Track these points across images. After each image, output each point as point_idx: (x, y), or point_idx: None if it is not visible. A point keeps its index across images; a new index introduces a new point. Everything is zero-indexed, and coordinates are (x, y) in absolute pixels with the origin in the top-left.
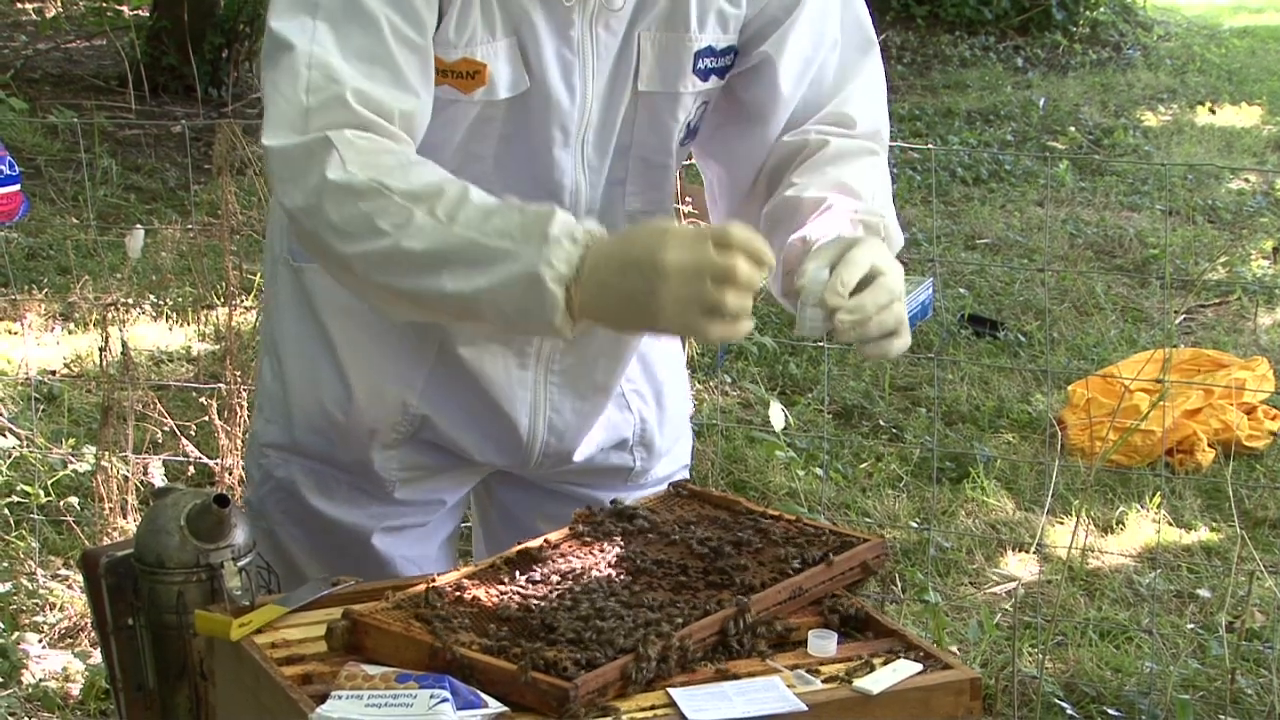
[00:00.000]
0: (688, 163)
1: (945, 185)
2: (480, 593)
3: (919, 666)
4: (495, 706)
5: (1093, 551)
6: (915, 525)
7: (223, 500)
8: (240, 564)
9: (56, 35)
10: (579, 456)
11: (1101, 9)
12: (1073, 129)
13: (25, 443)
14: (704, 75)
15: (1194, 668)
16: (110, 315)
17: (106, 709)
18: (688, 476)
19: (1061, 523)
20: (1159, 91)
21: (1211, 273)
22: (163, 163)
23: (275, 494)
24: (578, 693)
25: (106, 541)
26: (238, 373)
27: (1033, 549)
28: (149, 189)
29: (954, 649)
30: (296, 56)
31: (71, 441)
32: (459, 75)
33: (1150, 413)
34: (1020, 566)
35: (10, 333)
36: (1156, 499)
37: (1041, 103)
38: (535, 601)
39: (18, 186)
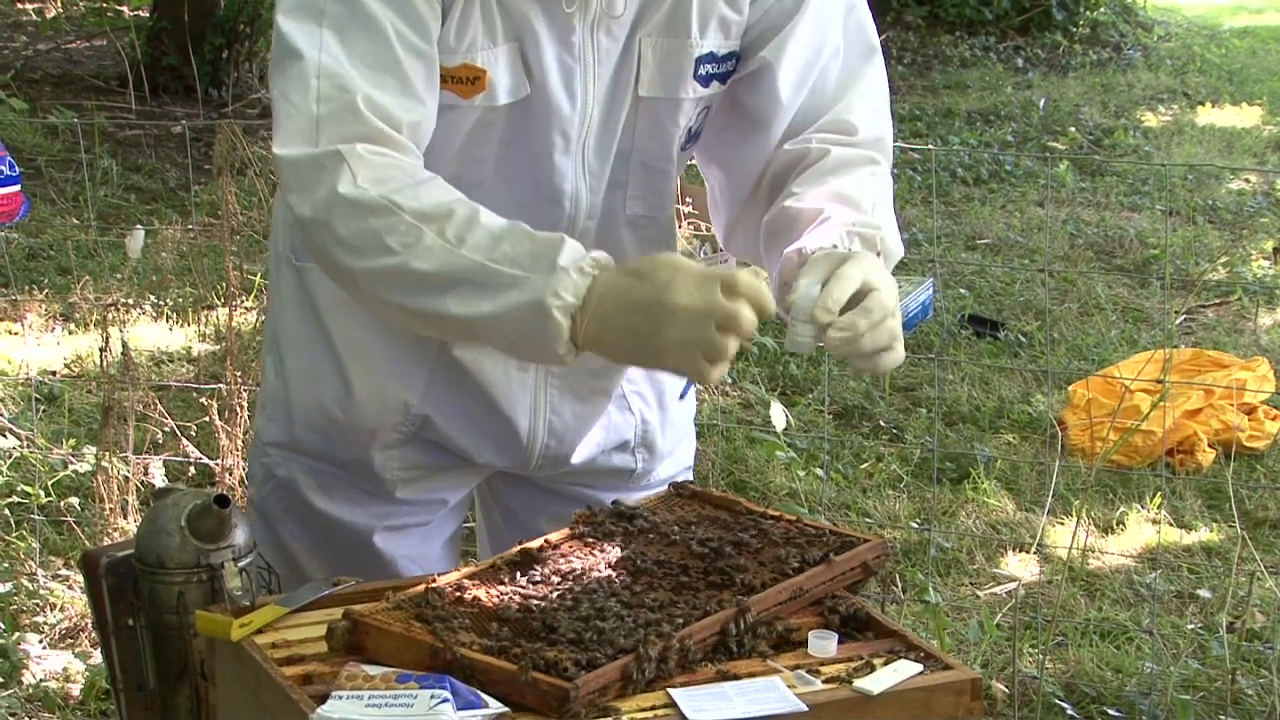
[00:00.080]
0: (689, 163)
1: (946, 185)
2: (481, 593)
3: (919, 667)
4: (496, 707)
5: (1093, 552)
6: (916, 525)
7: (223, 501)
8: (241, 564)
9: (57, 35)
10: (578, 458)
11: (1102, 9)
12: (1073, 129)
13: (26, 443)
14: (705, 81)
15: (1194, 668)
16: (111, 315)
17: (107, 709)
18: (691, 478)
19: (1062, 523)
20: (1159, 92)
21: (1212, 273)
22: (163, 163)
23: (277, 493)
24: (578, 693)
25: (107, 542)
26: (238, 373)
27: (1033, 549)
28: (149, 189)
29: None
30: (305, 66)
31: (72, 442)
32: (459, 80)
33: (1151, 413)
34: (1021, 567)
35: (11, 333)
36: (1157, 499)
37: (1042, 103)
38: (536, 602)
39: (18, 187)
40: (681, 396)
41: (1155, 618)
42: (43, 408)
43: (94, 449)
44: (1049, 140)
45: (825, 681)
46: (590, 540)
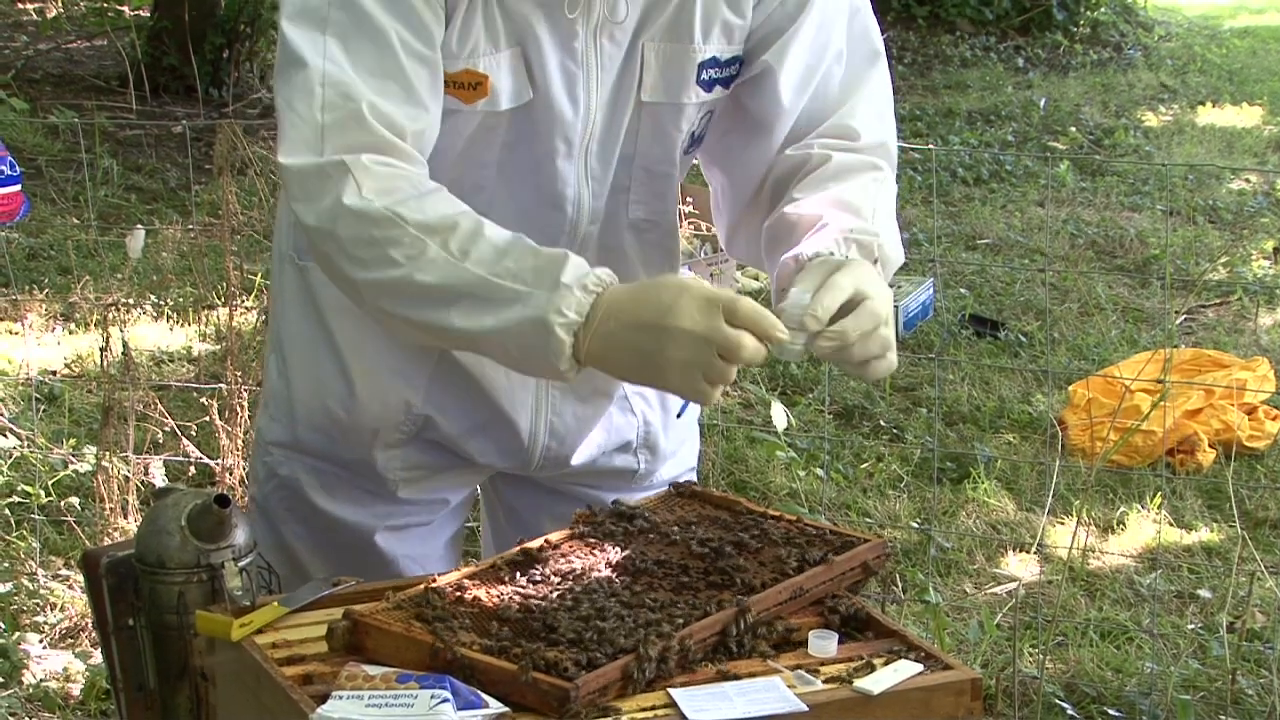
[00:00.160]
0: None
1: (946, 185)
2: (481, 593)
3: (920, 667)
4: (496, 707)
5: (1093, 552)
6: (916, 525)
7: (223, 500)
8: (241, 564)
9: (57, 35)
10: (579, 459)
11: (1102, 9)
12: (1073, 129)
13: (26, 443)
14: (708, 86)
15: (1195, 668)
16: (111, 315)
17: (107, 709)
18: (694, 479)
19: (1062, 523)
20: (1160, 92)
21: (1212, 273)
22: (163, 163)
23: (279, 492)
24: (578, 693)
25: (107, 542)
26: (238, 373)
27: (1033, 549)
28: (150, 189)
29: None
30: (310, 74)
31: (72, 442)
32: (460, 86)
33: (1151, 413)
34: (1021, 567)
35: (11, 333)
36: (1157, 499)
37: (1042, 103)
38: (536, 602)
39: (18, 187)
40: (679, 415)
41: (1155, 618)
42: (43, 407)
43: (94, 449)
44: (1049, 140)
45: (825, 681)
46: (590, 540)
